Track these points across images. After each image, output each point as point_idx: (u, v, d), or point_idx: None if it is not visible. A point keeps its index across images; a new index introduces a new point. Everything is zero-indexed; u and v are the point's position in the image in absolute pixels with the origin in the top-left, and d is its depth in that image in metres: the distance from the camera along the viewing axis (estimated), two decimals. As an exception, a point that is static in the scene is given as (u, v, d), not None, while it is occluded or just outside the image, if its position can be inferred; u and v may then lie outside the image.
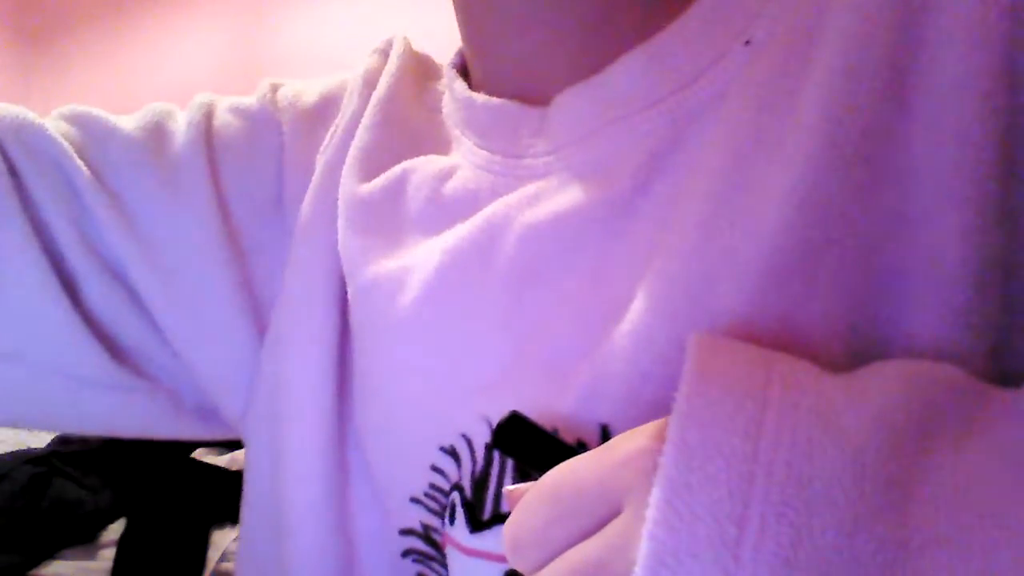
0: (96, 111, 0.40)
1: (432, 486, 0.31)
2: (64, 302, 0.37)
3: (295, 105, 0.42)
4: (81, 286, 0.38)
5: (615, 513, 0.21)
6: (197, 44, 2.62)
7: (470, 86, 0.37)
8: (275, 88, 0.43)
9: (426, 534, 0.32)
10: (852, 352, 0.24)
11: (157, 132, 0.40)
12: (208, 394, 0.41)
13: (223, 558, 1.35)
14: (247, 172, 0.40)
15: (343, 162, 0.38)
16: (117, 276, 0.39)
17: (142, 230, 0.38)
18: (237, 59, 2.58)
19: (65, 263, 0.38)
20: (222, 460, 1.58)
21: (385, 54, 0.42)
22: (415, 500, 0.32)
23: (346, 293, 0.36)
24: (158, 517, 1.38)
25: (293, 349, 0.37)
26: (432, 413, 0.32)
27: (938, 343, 0.24)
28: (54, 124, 0.39)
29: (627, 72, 0.31)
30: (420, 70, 0.42)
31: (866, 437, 0.19)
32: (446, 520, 0.31)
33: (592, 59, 0.32)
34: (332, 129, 0.40)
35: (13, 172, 0.37)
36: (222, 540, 1.38)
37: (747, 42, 0.29)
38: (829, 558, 0.18)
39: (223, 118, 0.41)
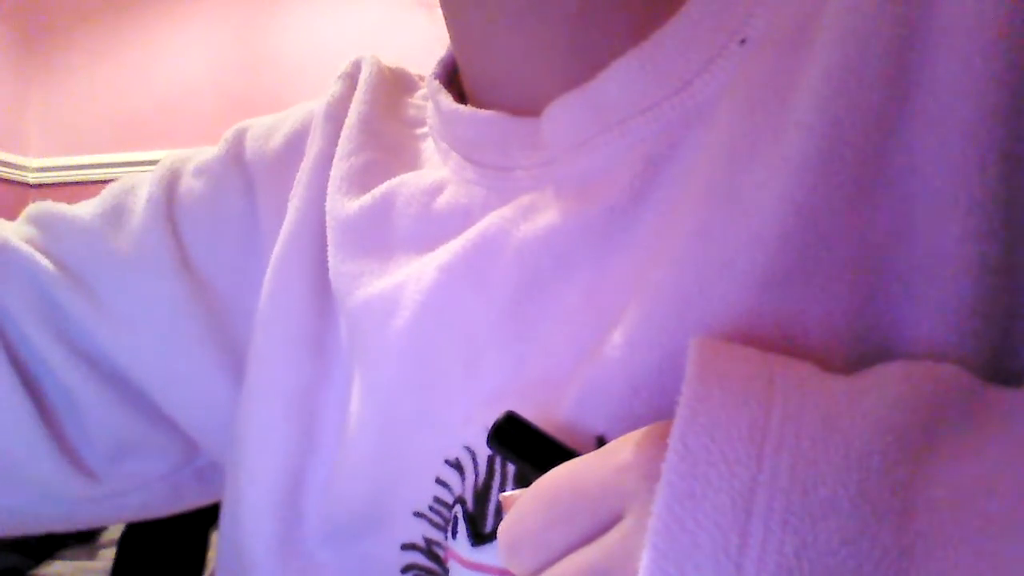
0: (57, 207, 0.42)
1: (436, 499, 0.31)
2: (46, 440, 0.38)
3: (264, 153, 0.42)
4: (68, 403, 0.39)
5: (615, 519, 0.21)
6: (197, 44, 2.62)
7: (458, 96, 0.36)
8: (242, 137, 0.43)
9: (429, 548, 0.32)
10: (853, 355, 0.24)
11: (116, 215, 0.41)
12: (207, 454, 0.42)
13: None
14: (215, 233, 0.41)
15: (315, 199, 0.38)
16: (104, 372, 0.40)
17: (115, 311, 0.40)
18: (237, 59, 2.58)
19: (48, 382, 0.39)
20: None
21: (351, 78, 0.42)
22: (418, 514, 0.32)
23: (322, 329, 0.37)
24: (158, 517, 1.37)
25: (264, 383, 0.37)
26: (435, 427, 0.31)
27: (940, 345, 0.23)
28: (16, 229, 0.41)
29: (620, 78, 0.30)
30: (394, 88, 0.41)
31: (870, 442, 0.19)
32: (448, 534, 0.30)
33: (583, 65, 0.31)
34: (299, 175, 0.40)
35: None
36: (222, 540, 1.38)
37: (742, 41, 0.29)
38: (833, 567, 0.18)
39: (187, 183, 0.42)
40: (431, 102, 0.38)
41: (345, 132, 0.39)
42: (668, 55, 0.29)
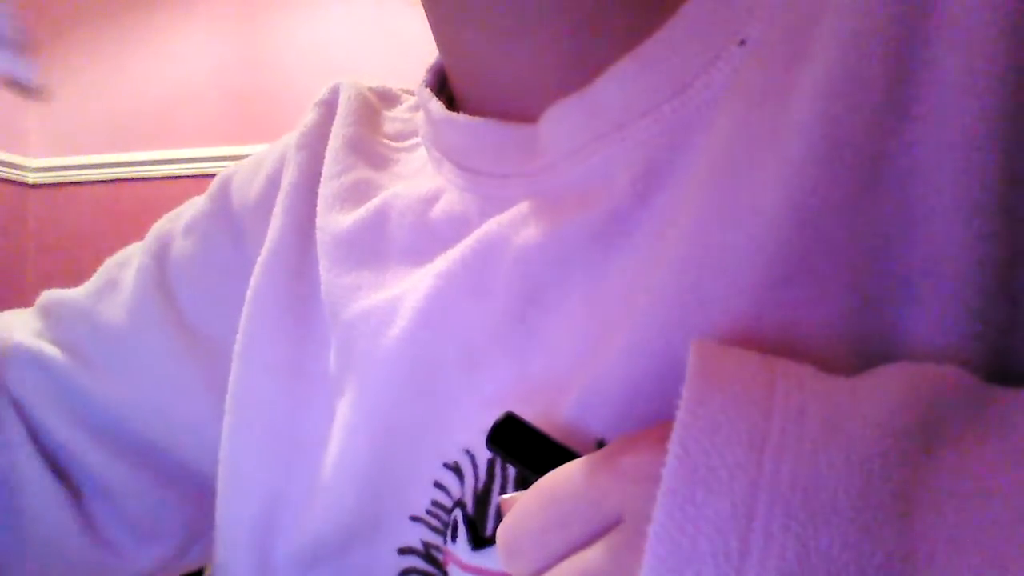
0: (60, 295, 0.45)
1: (435, 503, 0.31)
2: (77, 521, 0.41)
3: (248, 200, 0.42)
4: (90, 480, 0.42)
5: (615, 522, 0.21)
6: (197, 44, 2.62)
7: (448, 103, 0.36)
8: (227, 188, 0.44)
9: (426, 552, 0.31)
10: (854, 357, 0.24)
11: (110, 288, 0.44)
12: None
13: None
14: (209, 289, 0.42)
15: (291, 225, 0.38)
16: (120, 446, 0.43)
17: (116, 380, 0.42)
18: (237, 59, 2.58)
19: (71, 463, 0.42)
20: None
21: (329, 105, 0.42)
22: (416, 518, 0.32)
23: (298, 351, 0.37)
24: None
25: (235, 426, 0.38)
26: (433, 431, 0.31)
27: (941, 347, 0.23)
28: (25, 323, 0.44)
29: (618, 81, 0.30)
30: (375, 108, 0.42)
31: (872, 445, 0.19)
32: (448, 537, 0.30)
33: (581, 69, 0.31)
34: (275, 209, 0.40)
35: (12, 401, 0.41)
36: (222, 541, 1.38)
37: (741, 42, 0.28)
38: (835, 572, 0.18)
39: (178, 245, 0.43)
40: (422, 111, 0.37)
41: (330, 155, 0.39)
42: (666, 58, 0.29)
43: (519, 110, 0.33)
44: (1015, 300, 0.23)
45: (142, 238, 0.46)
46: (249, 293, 0.39)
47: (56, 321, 0.44)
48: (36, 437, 0.42)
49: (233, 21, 2.63)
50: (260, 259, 0.39)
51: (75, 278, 0.46)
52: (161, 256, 0.43)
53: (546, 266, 0.30)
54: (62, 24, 2.72)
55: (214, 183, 0.45)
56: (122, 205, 2.48)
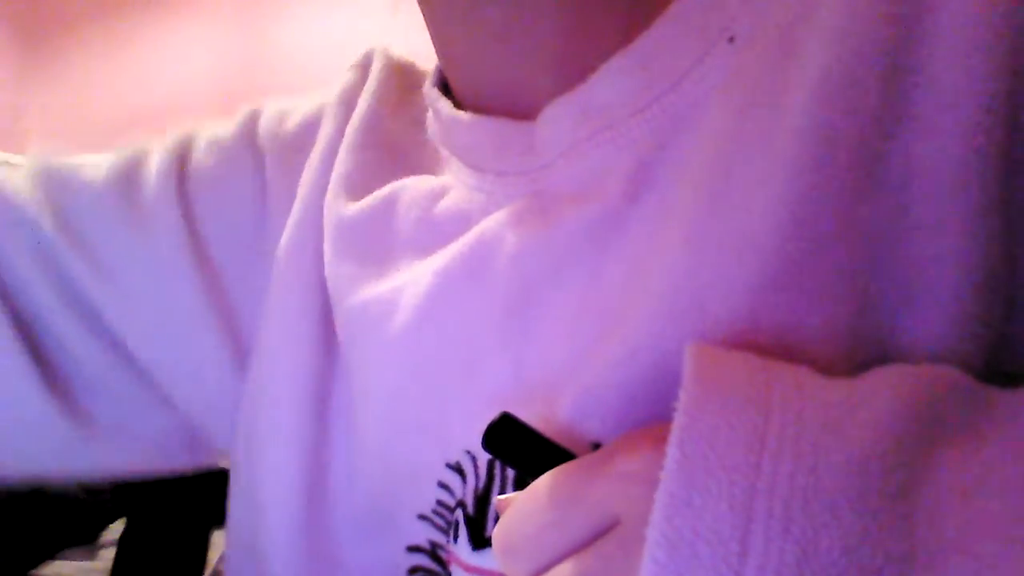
0: (61, 165, 0.41)
1: (439, 503, 0.31)
2: (35, 378, 0.38)
3: (277, 135, 0.42)
4: (62, 350, 0.39)
5: (612, 524, 0.21)
6: (197, 44, 2.62)
7: (454, 102, 0.36)
8: (255, 118, 0.43)
9: (433, 551, 0.32)
10: (851, 359, 0.24)
11: (127, 181, 0.40)
12: (199, 427, 0.42)
13: (223, 558, 1.35)
14: (224, 210, 0.40)
15: (323, 188, 0.38)
16: (98, 331, 0.39)
17: (118, 280, 0.39)
18: (237, 59, 2.58)
19: (42, 328, 0.39)
20: (223, 461, 1.58)
21: (364, 69, 0.42)
22: (422, 517, 0.32)
23: (329, 320, 0.36)
24: (158, 517, 1.38)
25: (275, 375, 0.37)
26: (435, 431, 0.31)
27: (938, 348, 0.23)
28: (21, 182, 0.40)
29: (609, 80, 0.30)
30: (402, 83, 0.41)
31: (871, 446, 0.19)
32: (450, 537, 0.30)
33: (572, 70, 0.31)
34: (308, 162, 0.40)
35: None
36: (222, 540, 1.38)
37: (731, 39, 0.28)
38: (835, 575, 0.18)
39: (199, 158, 0.41)
40: (431, 110, 0.37)
41: (352, 124, 0.39)
42: (656, 56, 0.29)
43: (519, 108, 0.33)
44: (1011, 301, 0.23)
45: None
46: (281, 254, 0.38)
47: (65, 199, 0.40)
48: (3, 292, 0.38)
49: (233, 21, 2.63)
50: (292, 218, 0.38)
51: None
52: (182, 165, 0.41)
53: (541, 265, 0.30)
54: (62, 23, 2.72)
55: (241, 113, 0.43)
56: (122, 205, 2.48)
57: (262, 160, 0.41)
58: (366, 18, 2.43)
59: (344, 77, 0.42)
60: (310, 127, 0.41)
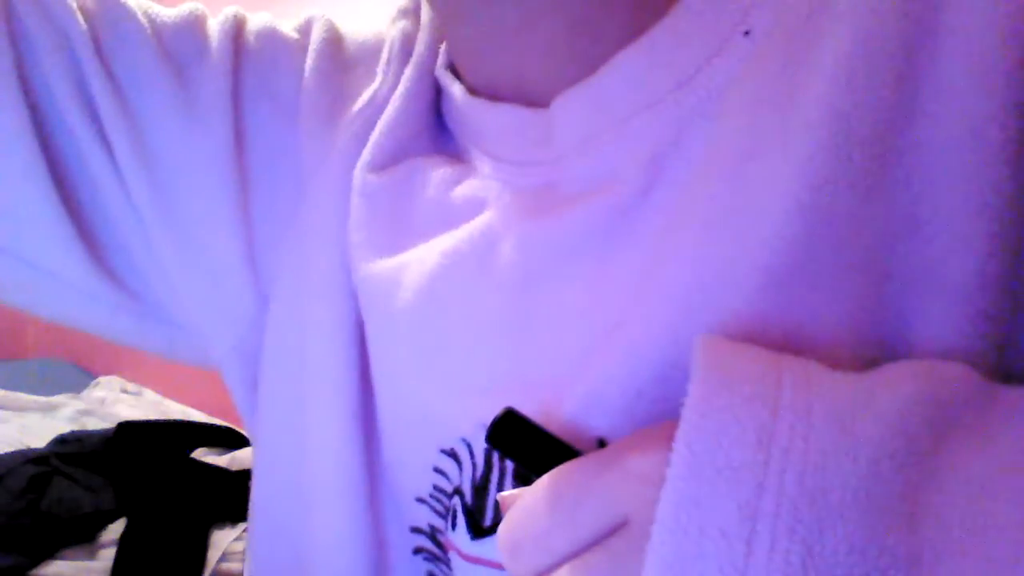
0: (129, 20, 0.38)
1: (435, 487, 0.31)
2: (53, 196, 0.36)
3: (325, 46, 0.40)
4: (74, 175, 0.37)
5: (620, 524, 0.21)
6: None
7: (465, 85, 0.36)
8: (311, 21, 0.41)
9: (432, 534, 0.31)
10: (860, 355, 0.24)
11: (182, 64, 0.38)
12: (194, 321, 0.40)
13: (223, 558, 1.35)
14: (272, 108, 0.39)
15: (360, 148, 0.37)
16: (115, 175, 0.38)
17: (158, 165, 0.37)
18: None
19: (60, 150, 0.37)
20: (222, 460, 1.57)
21: (414, 16, 0.40)
22: (421, 500, 0.32)
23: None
24: (158, 517, 1.37)
25: (317, 337, 0.36)
26: (431, 414, 0.31)
27: (948, 345, 0.23)
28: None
29: (623, 72, 0.29)
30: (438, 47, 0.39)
31: (879, 446, 0.19)
32: (448, 525, 0.30)
33: (588, 58, 0.30)
34: (363, 99, 0.38)
35: (16, 40, 0.35)
36: (222, 540, 1.38)
37: (746, 32, 0.28)
38: (841, 575, 0.18)
39: (252, 42, 0.40)
40: (445, 92, 0.37)
41: (406, 74, 0.37)
42: (672, 47, 0.29)
43: (530, 96, 0.32)
44: (1021, 298, 0.23)
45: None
46: (318, 192, 0.37)
47: (117, 41, 0.37)
48: (34, 106, 0.36)
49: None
50: (322, 177, 0.37)
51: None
52: (236, 42, 0.39)
53: (548, 256, 0.30)
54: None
55: (302, 20, 0.41)
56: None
57: (303, 66, 0.39)
58: (367, 18, 2.43)
59: (400, 22, 0.40)
60: (358, 60, 0.40)
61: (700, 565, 0.18)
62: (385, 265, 0.33)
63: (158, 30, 0.38)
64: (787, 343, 0.24)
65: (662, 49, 0.29)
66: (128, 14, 0.38)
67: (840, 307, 0.24)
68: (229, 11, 0.40)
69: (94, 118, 0.37)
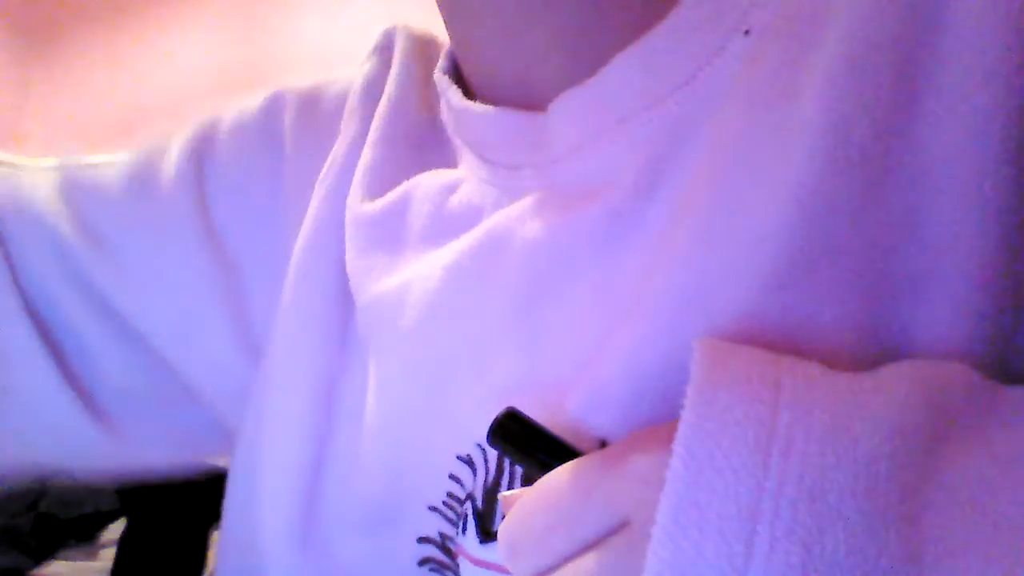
0: (80, 163, 0.41)
1: (449, 495, 0.31)
2: (60, 382, 0.38)
3: (299, 119, 0.41)
4: (86, 354, 0.40)
5: (620, 525, 0.21)
6: (198, 44, 2.61)
7: (465, 91, 0.36)
8: (280, 98, 0.42)
9: (443, 543, 0.31)
10: (860, 356, 0.24)
11: (144, 179, 0.41)
12: (223, 418, 0.42)
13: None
14: (243, 200, 0.40)
15: (346, 185, 0.37)
16: (122, 333, 0.40)
17: (137, 280, 0.40)
18: (238, 59, 2.57)
19: (65, 334, 0.40)
20: (222, 461, 1.58)
21: (386, 53, 0.41)
22: (433, 508, 0.31)
23: (344, 316, 0.36)
24: (158, 517, 1.37)
25: (285, 367, 0.37)
26: (447, 424, 0.31)
27: (948, 345, 0.23)
28: (40, 186, 0.41)
29: (622, 73, 0.29)
30: (426, 66, 0.40)
31: (878, 446, 0.19)
32: (459, 530, 0.30)
33: (588, 59, 0.30)
34: (331, 156, 0.39)
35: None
36: (222, 541, 1.38)
37: (746, 32, 0.28)
38: None
39: (222, 142, 0.41)
40: (442, 97, 0.37)
41: (377, 118, 0.38)
42: (671, 48, 0.29)
43: (531, 98, 0.32)
44: (1021, 298, 0.23)
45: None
46: (300, 248, 0.38)
47: (78, 197, 0.41)
48: (18, 282, 0.39)
49: (234, 21, 2.62)
50: (311, 212, 0.38)
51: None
52: (201, 155, 0.41)
53: (551, 261, 0.30)
54: (62, 24, 2.72)
55: (265, 93, 0.43)
56: (122, 205, 2.47)
57: (282, 150, 0.41)
58: (367, 18, 2.43)
59: (366, 65, 0.41)
60: (334, 116, 0.41)
61: (700, 566, 0.18)
62: (388, 284, 0.33)
63: (119, 175, 0.41)
64: (786, 344, 0.24)
65: (661, 50, 0.29)
66: (93, 181, 0.41)
67: (840, 308, 0.24)
68: (197, 121, 0.42)
69: (91, 294, 0.40)
